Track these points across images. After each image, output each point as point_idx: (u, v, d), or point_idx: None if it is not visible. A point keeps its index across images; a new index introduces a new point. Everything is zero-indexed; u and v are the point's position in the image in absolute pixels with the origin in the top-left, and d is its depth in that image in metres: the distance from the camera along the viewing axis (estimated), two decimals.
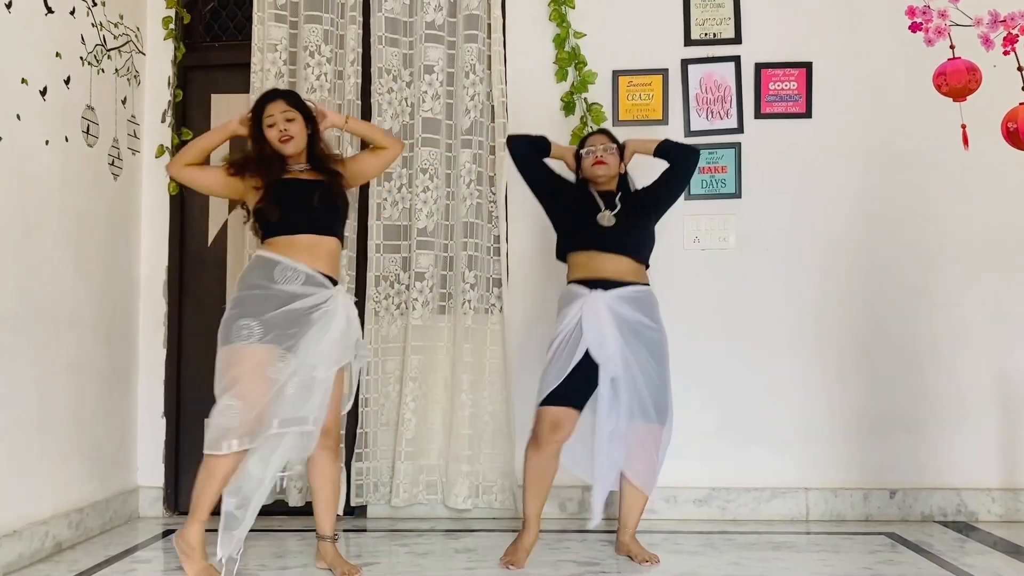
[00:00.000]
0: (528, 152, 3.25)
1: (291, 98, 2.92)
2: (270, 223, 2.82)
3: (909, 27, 3.81)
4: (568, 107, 3.83)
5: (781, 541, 3.37)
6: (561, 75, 3.84)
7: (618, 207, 3.11)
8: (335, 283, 2.85)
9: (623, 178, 3.24)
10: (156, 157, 3.93)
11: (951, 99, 3.70)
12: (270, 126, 2.86)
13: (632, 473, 3.08)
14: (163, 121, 3.94)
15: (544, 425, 2.97)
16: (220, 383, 2.73)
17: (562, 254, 3.22)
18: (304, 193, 2.84)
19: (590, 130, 3.74)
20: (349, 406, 3.02)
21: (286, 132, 2.84)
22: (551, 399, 2.97)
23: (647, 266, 3.17)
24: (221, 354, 2.74)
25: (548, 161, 3.28)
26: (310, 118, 2.93)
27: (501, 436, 3.73)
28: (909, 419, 3.74)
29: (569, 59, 3.83)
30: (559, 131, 3.81)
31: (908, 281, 3.78)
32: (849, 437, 3.75)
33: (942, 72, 3.68)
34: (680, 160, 3.23)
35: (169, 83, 3.95)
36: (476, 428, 3.72)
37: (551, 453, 2.99)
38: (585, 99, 3.82)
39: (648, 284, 3.14)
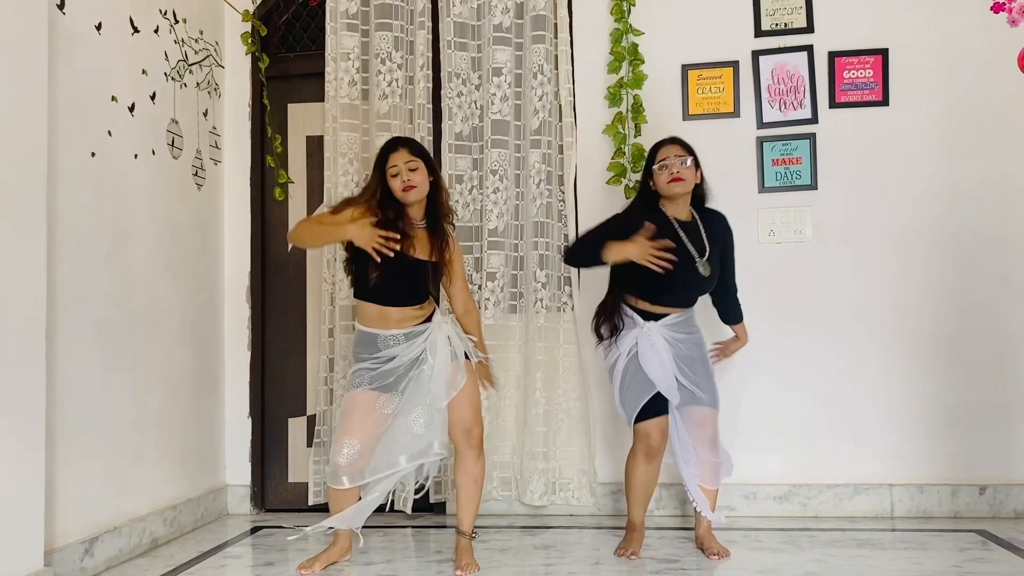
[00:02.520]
0: (586, 263, 3.23)
1: (413, 146, 2.96)
2: (365, 283, 2.89)
3: (991, 7, 3.70)
4: (613, 98, 3.81)
5: (866, 538, 3.30)
6: (614, 67, 3.82)
7: (707, 250, 3.09)
8: (430, 319, 2.95)
9: (698, 190, 3.17)
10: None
11: None
12: (394, 176, 2.89)
13: (698, 472, 3.11)
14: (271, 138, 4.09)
15: (655, 437, 3.06)
16: (338, 425, 2.98)
17: (620, 292, 3.18)
18: (407, 273, 2.87)
19: (628, 125, 3.74)
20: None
21: (409, 181, 2.87)
22: (647, 414, 3.05)
23: None
24: (343, 400, 3.02)
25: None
26: (431, 165, 2.97)
27: (577, 433, 3.75)
28: (999, 412, 3.62)
29: (626, 53, 3.80)
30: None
31: (996, 270, 3.65)
32: (935, 432, 3.65)
33: None
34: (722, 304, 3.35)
35: (262, 93, 4.08)
36: (551, 426, 3.74)
37: (660, 462, 3.11)
38: (636, 95, 3.80)
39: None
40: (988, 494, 3.60)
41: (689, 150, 3.10)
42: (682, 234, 3.06)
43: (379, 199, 2.90)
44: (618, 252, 2.94)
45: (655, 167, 3.09)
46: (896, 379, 3.68)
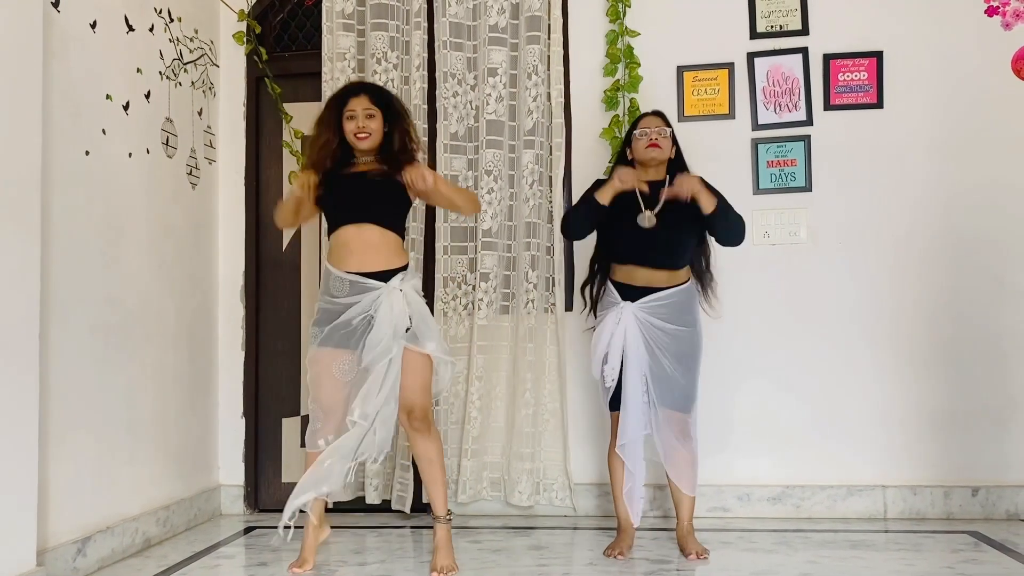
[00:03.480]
0: (586, 229, 3.21)
1: (375, 94, 2.93)
2: (327, 218, 2.94)
3: (985, 11, 3.72)
4: (610, 101, 3.81)
5: (859, 539, 3.31)
6: (610, 70, 3.82)
7: (660, 204, 3.06)
8: (388, 277, 2.84)
9: (673, 164, 3.18)
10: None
11: None
12: (349, 118, 2.87)
13: (673, 475, 3.11)
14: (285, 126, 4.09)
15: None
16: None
17: (604, 261, 3.24)
18: (352, 185, 2.87)
19: (623, 130, 3.73)
20: (442, 387, 3.01)
21: (363, 129, 2.85)
22: (617, 404, 3.09)
23: (687, 265, 3.18)
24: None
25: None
26: (392, 116, 2.91)
27: (558, 434, 3.76)
28: (992, 414, 3.63)
29: (621, 56, 3.81)
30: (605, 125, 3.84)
31: (990, 273, 3.66)
32: (928, 433, 3.66)
33: (1021, 56, 3.57)
34: (721, 232, 3.12)
35: (258, 89, 4.08)
36: (537, 426, 3.74)
37: None
38: (633, 99, 3.81)
39: (686, 282, 3.14)
40: (981, 495, 3.61)
41: (668, 124, 3.18)
42: (638, 194, 3.09)
43: (329, 141, 2.88)
44: (608, 187, 3.07)
45: (635, 133, 3.15)
46: (890, 381, 3.69)
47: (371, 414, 2.81)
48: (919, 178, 3.72)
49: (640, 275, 3.09)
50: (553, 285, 3.80)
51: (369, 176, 2.89)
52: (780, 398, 3.71)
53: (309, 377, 2.94)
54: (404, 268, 2.91)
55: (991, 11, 3.71)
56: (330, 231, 2.94)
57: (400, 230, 2.97)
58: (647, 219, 3.05)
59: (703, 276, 3.24)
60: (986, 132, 3.69)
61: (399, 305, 2.82)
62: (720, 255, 3.67)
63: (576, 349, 3.76)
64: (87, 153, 3.06)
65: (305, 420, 3.99)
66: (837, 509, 3.67)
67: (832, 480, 3.69)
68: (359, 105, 2.87)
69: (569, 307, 3.79)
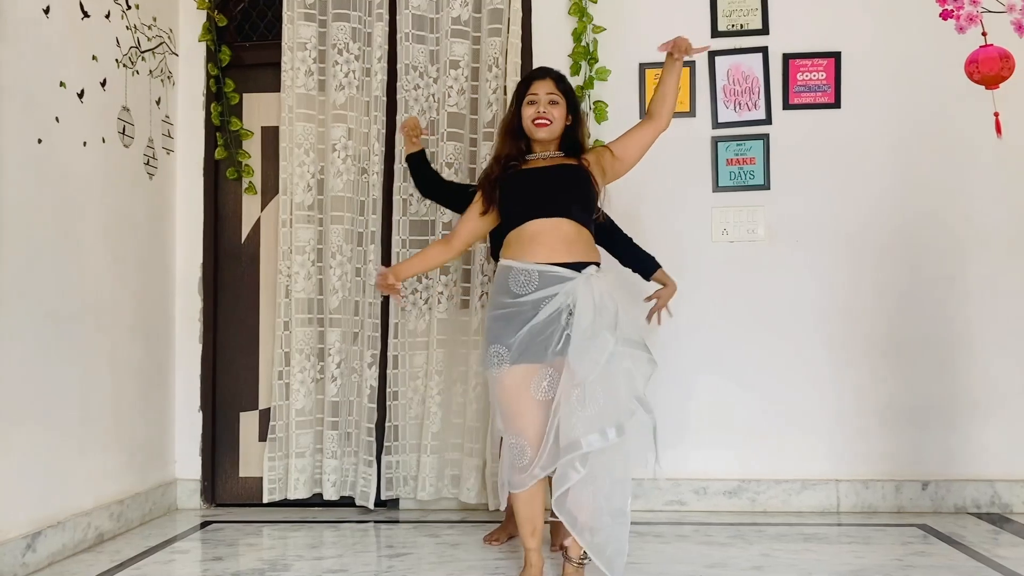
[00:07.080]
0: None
1: (561, 81, 2.72)
2: (504, 220, 2.65)
3: (940, 14, 3.78)
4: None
5: (812, 533, 3.36)
6: (575, 69, 3.84)
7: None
8: (582, 268, 2.54)
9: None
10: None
11: (983, 87, 3.68)
12: (530, 103, 2.65)
13: None
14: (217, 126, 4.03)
15: None
16: (498, 415, 2.62)
17: None
18: (536, 178, 2.61)
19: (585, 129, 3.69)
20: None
21: (544, 115, 2.62)
22: None
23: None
24: (487, 379, 2.69)
25: None
26: (574, 106, 2.72)
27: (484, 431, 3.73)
28: (942, 410, 3.71)
29: (583, 54, 3.82)
30: None
31: (941, 271, 3.74)
32: (880, 428, 3.73)
33: (974, 60, 3.65)
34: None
35: (217, 85, 4.03)
36: (483, 421, 3.70)
37: None
38: (588, 95, 3.82)
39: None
40: (930, 489, 3.68)
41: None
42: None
43: (513, 130, 2.69)
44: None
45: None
46: (844, 377, 3.75)
47: (620, 424, 2.45)
48: (875, 178, 3.78)
49: None
50: None
51: (559, 168, 2.65)
52: (737, 393, 3.75)
53: (499, 402, 2.56)
54: (598, 264, 2.62)
55: (945, 15, 3.77)
56: (508, 228, 2.64)
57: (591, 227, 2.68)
58: None
59: None
60: (940, 133, 3.75)
61: (600, 287, 2.50)
62: (683, 252, 3.71)
63: None
64: (39, 141, 3.00)
65: (264, 415, 3.96)
66: (791, 503, 3.72)
67: (787, 474, 3.74)
68: (542, 89, 2.66)
69: None
